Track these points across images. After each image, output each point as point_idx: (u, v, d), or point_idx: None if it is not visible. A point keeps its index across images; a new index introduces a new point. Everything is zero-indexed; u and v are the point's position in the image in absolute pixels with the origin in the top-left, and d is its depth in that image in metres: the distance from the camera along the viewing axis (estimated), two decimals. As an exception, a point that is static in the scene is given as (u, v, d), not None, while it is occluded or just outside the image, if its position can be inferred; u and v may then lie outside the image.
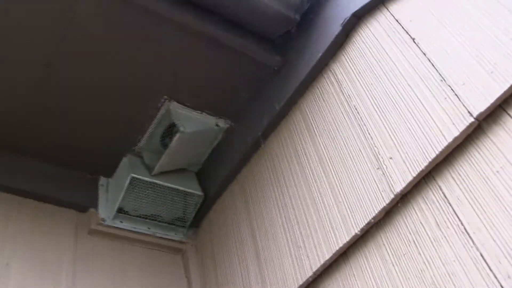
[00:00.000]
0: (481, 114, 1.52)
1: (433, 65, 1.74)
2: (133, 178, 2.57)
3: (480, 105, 1.52)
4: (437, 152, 1.60)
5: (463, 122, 1.55)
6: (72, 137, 2.66)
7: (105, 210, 2.67)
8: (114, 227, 2.66)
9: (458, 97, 1.60)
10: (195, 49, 2.40)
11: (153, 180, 2.64)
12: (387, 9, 2.07)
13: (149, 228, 2.75)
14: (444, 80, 1.67)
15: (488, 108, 1.50)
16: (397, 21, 1.99)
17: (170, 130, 2.63)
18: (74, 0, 2.11)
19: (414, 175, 1.67)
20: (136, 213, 2.70)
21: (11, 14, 2.10)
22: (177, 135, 2.49)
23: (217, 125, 2.71)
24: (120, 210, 2.65)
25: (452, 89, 1.64)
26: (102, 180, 2.83)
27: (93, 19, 2.19)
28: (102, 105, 2.54)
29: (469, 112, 1.55)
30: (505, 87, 1.46)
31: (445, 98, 1.64)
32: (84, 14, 2.16)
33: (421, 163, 1.65)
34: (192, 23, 2.30)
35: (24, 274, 2.27)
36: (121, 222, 2.67)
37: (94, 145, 2.72)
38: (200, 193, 2.77)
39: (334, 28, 2.23)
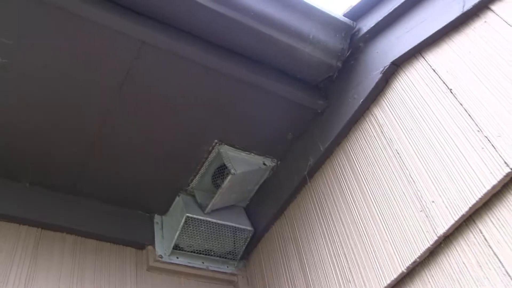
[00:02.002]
0: (517, 164, 1.65)
1: (470, 116, 1.89)
2: (188, 217, 2.75)
3: (516, 157, 1.66)
4: (477, 199, 1.74)
5: (500, 172, 1.69)
6: (128, 178, 2.83)
7: (161, 247, 2.84)
8: (171, 263, 2.82)
9: (494, 148, 1.74)
10: (243, 96, 2.57)
11: (206, 218, 2.81)
12: (424, 59, 2.21)
13: (203, 262, 2.92)
14: (481, 130, 1.82)
15: (524, 159, 1.64)
16: (434, 70, 2.14)
17: (221, 170, 2.80)
18: (131, 54, 2.29)
19: (456, 218, 1.80)
20: (190, 248, 2.87)
21: (74, 64, 2.30)
22: (229, 177, 2.66)
23: (264, 163, 2.87)
24: (176, 247, 2.82)
25: (488, 140, 1.78)
26: (157, 218, 3.01)
27: (150, 71, 2.38)
28: (157, 148, 2.71)
29: (505, 162, 1.69)
30: (538, 141, 1.60)
31: (482, 148, 1.78)
32: (141, 67, 2.35)
33: (462, 208, 1.79)
34: (240, 73, 2.46)
35: (92, 311, 2.46)
36: (177, 258, 2.84)
37: (149, 185, 2.89)
38: (250, 228, 2.93)
39: (374, 74, 2.38)
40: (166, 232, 2.93)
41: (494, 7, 1.97)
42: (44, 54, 2.23)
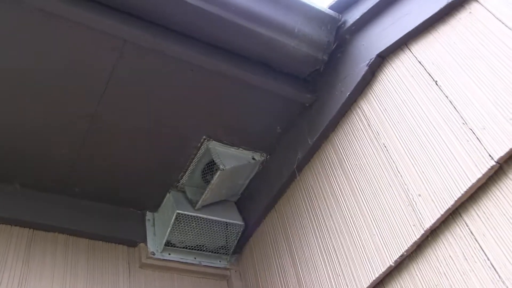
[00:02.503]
0: (501, 157, 1.65)
1: (455, 108, 1.88)
2: (178, 214, 2.75)
3: (500, 149, 1.65)
4: (462, 192, 1.74)
5: (485, 165, 1.69)
6: (119, 176, 2.83)
7: (153, 244, 2.84)
8: (163, 259, 2.82)
9: (479, 140, 1.74)
10: (230, 92, 2.56)
11: (197, 214, 2.80)
12: (410, 50, 2.21)
13: (195, 258, 2.92)
14: (466, 123, 1.81)
15: (508, 152, 1.64)
16: (419, 62, 2.13)
17: (210, 166, 2.80)
18: (114, 53, 2.28)
19: (442, 212, 1.80)
20: (182, 244, 2.87)
21: (58, 65, 2.30)
22: (218, 172, 2.66)
23: (253, 158, 2.87)
24: (167, 243, 2.82)
25: (473, 132, 1.77)
26: (148, 215, 3.01)
27: (134, 70, 2.38)
28: (146, 146, 2.71)
29: (490, 155, 1.68)
30: (523, 134, 1.60)
31: (468, 141, 1.78)
32: (125, 66, 2.34)
33: (448, 201, 1.79)
34: (225, 69, 2.45)
35: (85, 310, 2.46)
36: (169, 254, 2.84)
37: (140, 183, 2.89)
38: (241, 222, 2.93)
39: (361, 67, 2.38)
40: (158, 228, 2.93)
41: (478, -3, 1.96)
42: (26, 57, 2.22)
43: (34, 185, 2.71)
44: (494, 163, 1.66)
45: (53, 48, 2.22)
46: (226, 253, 3.01)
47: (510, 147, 1.63)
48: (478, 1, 1.97)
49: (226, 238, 2.97)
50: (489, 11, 1.92)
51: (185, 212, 2.78)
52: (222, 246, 2.99)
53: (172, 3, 2.21)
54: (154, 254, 2.80)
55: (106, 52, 2.26)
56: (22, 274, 2.42)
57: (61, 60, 2.26)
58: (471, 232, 1.72)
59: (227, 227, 2.94)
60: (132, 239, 2.87)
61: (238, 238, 2.99)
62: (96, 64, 2.31)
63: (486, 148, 1.71)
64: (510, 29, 1.81)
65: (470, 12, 1.99)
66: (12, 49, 2.18)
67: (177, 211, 2.75)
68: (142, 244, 2.85)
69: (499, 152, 1.65)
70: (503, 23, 1.84)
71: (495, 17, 1.88)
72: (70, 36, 2.19)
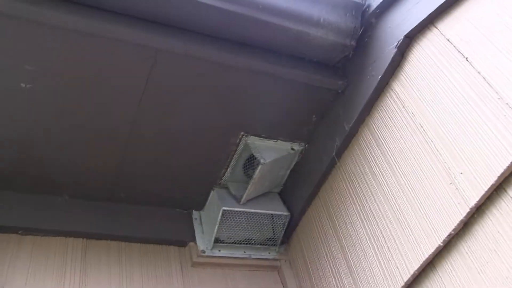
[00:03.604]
0: (541, 130, 1.65)
1: (489, 84, 1.88)
2: (224, 210, 2.80)
3: (539, 122, 1.65)
4: (505, 167, 1.74)
5: (525, 138, 1.69)
6: (163, 179, 2.89)
7: (202, 242, 2.91)
8: (214, 256, 2.89)
9: (517, 115, 1.74)
10: (263, 87, 2.59)
11: (242, 209, 2.86)
12: (437, 29, 2.20)
13: (244, 251, 2.98)
14: (501, 98, 1.81)
15: (548, 124, 1.64)
16: (448, 40, 2.13)
17: (251, 161, 2.84)
18: (148, 62, 2.34)
19: (486, 188, 1.81)
20: (231, 240, 2.93)
21: (96, 79, 2.37)
22: (259, 167, 2.70)
23: (292, 148, 2.90)
24: (216, 240, 2.88)
25: (510, 106, 1.77)
26: (195, 214, 3.07)
27: (168, 76, 2.42)
28: (186, 147, 2.77)
29: (530, 128, 1.68)
30: (560, 104, 1.60)
31: (505, 116, 1.78)
32: (160, 74, 2.39)
33: (491, 178, 1.79)
34: (256, 65, 2.48)
35: (143, 313, 2.54)
36: (219, 251, 2.90)
37: (183, 183, 2.95)
38: (286, 213, 2.98)
39: (389, 49, 2.38)
40: (206, 226, 2.99)
41: (502, -30, 1.95)
42: (67, 75, 2.30)
43: (82, 196, 2.80)
44: (534, 136, 1.66)
45: (91, 63, 2.29)
46: (275, 244, 3.06)
47: (549, 119, 1.62)
48: (503, -27, 1.96)
49: (273, 229, 3.02)
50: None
51: (231, 208, 2.83)
52: (269, 238, 3.04)
53: (200, 9, 2.25)
54: (204, 252, 2.87)
55: (140, 62, 2.32)
56: (81, 284, 2.50)
57: (100, 74, 2.33)
58: (517, 206, 1.73)
59: (273, 218, 2.98)
60: (182, 239, 2.94)
61: (284, 228, 3.03)
62: (132, 74, 2.37)
63: (524, 122, 1.70)
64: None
65: (496, -14, 1.97)
66: (56, 67, 2.27)
67: (223, 208, 2.81)
68: (192, 243, 2.91)
69: (539, 125, 1.65)
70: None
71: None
72: (107, 51, 2.25)
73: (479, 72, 1.93)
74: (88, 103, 2.43)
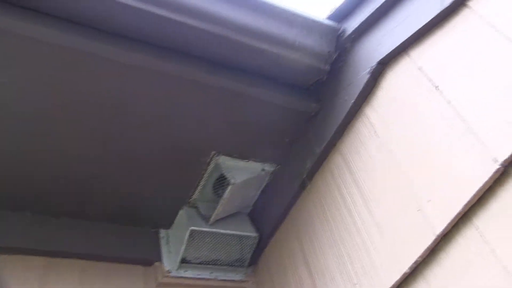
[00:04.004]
0: (505, 160, 1.67)
1: (458, 113, 1.90)
2: (192, 230, 2.77)
3: (504, 153, 1.67)
4: (471, 196, 1.75)
5: (490, 168, 1.70)
6: (132, 196, 2.86)
7: (169, 262, 2.87)
8: (180, 277, 2.85)
9: (484, 144, 1.76)
10: (235, 107, 2.60)
11: (210, 229, 2.84)
12: (410, 57, 2.23)
13: (211, 272, 2.95)
14: (469, 128, 1.83)
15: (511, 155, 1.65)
16: (419, 68, 2.16)
17: (221, 181, 2.82)
18: (122, 78, 2.33)
19: (452, 216, 1.81)
20: (197, 260, 2.90)
21: (69, 95, 2.34)
22: (229, 187, 2.69)
23: (263, 169, 2.90)
24: (183, 261, 2.85)
25: (477, 136, 1.79)
26: (162, 233, 3.03)
27: (142, 92, 2.42)
28: (157, 165, 2.74)
29: (494, 158, 1.70)
30: (526, 137, 1.62)
31: (472, 145, 1.80)
32: (134, 90, 2.39)
33: (457, 206, 1.79)
34: (231, 85, 2.49)
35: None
36: (185, 271, 2.87)
37: (152, 201, 2.91)
38: (255, 234, 2.96)
39: (363, 75, 2.40)
40: (173, 246, 2.96)
41: (470, 3, 1.99)
42: (34, 88, 2.27)
43: (46, 211, 2.74)
44: (499, 166, 1.68)
45: (60, 77, 2.26)
46: (242, 266, 3.04)
47: (513, 150, 1.64)
48: (470, 7, 2.00)
49: (241, 250, 3.00)
50: (481, 16, 1.94)
51: (199, 228, 2.81)
52: (237, 259, 3.02)
53: (177, 27, 2.25)
54: (170, 272, 2.84)
55: (113, 79, 2.31)
56: (41, 304, 2.44)
57: (68, 89, 2.31)
58: (482, 235, 1.74)
59: (241, 239, 2.96)
60: (148, 258, 2.90)
61: (253, 250, 3.02)
62: (104, 90, 2.35)
63: (490, 151, 1.72)
64: (501, 33, 1.83)
65: (464, 17, 2.01)
66: (23, 80, 2.24)
67: (191, 227, 2.78)
68: (157, 263, 2.88)
69: (503, 155, 1.67)
70: (495, 28, 1.86)
71: (487, 22, 1.90)
72: (76, 65, 2.23)
73: (448, 102, 1.96)
74: (55, 118, 2.40)
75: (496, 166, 1.69)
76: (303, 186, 2.75)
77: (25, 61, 2.16)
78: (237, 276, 3.03)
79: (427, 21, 2.12)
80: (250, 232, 2.96)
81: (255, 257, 3.09)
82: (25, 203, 2.68)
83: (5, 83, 2.19)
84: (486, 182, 1.71)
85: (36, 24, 2.07)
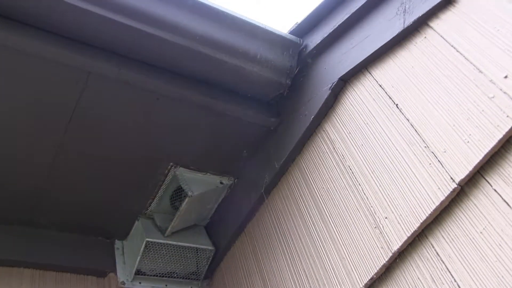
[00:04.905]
0: (462, 180, 1.70)
1: (416, 132, 1.92)
2: (148, 242, 2.73)
3: (461, 172, 1.70)
4: (427, 214, 1.78)
5: (447, 188, 1.73)
6: (86, 206, 2.80)
7: (123, 273, 2.82)
8: (134, 288, 2.80)
9: (441, 164, 1.78)
10: (194, 119, 2.58)
11: (166, 241, 2.80)
12: (371, 74, 2.25)
13: (166, 285, 2.91)
14: (427, 146, 1.85)
15: (468, 175, 1.68)
16: (380, 86, 2.18)
17: (178, 192, 2.79)
18: (79, 85, 2.28)
19: (409, 234, 1.83)
20: (153, 272, 2.86)
21: (22, 98, 2.29)
22: (186, 199, 2.66)
23: (221, 182, 2.87)
24: (138, 272, 2.80)
25: (435, 155, 1.81)
26: (117, 244, 2.98)
27: (99, 100, 2.38)
28: (112, 175, 2.70)
29: (451, 178, 1.73)
30: (480, 156, 1.66)
31: (430, 164, 1.82)
32: (90, 97, 2.33)
33: (414, 224, 1.82)
34: (190, 96, 2.48)
35: None
36: (140, 283, 2.83)
37: (107, 211, 2.87)
38: (211, 247, 2.93)
39: (324, 90, 2.41)
40: (127, 257, 2.90)
41: (432, 24, 2.02)
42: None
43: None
44: (456, 186, 1.71)
45: (17, 82, 2.21)
46: (197, 279, 3.01)
47: (470, 169, 1.67)
48: (431, 27, 2.03)
49: (197, 263, 2.97)
50: (441, 37, 1.98)
51: (155, 240, 2.77)
52: (193, 272, 2.98)
53: (136, 34, 2.21)
54: (124, 283, 2.79)
55: (70, 85, 2.26)
56: (-14, 314, 2.37)
57: (25, 93, 2.26)
58: (438, 254, 1.76)
59: (197, 252, 2.94)
60: (101, 269, 2.83)
61: (209, 263, 2.99)
62: (61, 96, 2.31)
63: (448, 171, 1.75)
64: (461, 54, 1.86)
65: (425, 37, 2.04)
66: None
67: (147, 239, 2.74)
68: (111, 274, 2.82)
69: (460, 175, 1.70)
70: (455, 48, 1.90)
71: (448, 42, 1.94)
72: (35, 70, 2.19)
73: (408, 119, 1.98)
74: (12, 121, 2.34)
75: (453, 185, 1.71)
76: (261, 201, 2.73)
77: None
78: (192, 290, 2.98)
79: (388, 39, 2.15)
80: (206, 245, 2.93)
81: (210, 270, 3.06)
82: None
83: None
84: (443, 202, 1.75)
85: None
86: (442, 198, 1.74)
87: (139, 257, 2.76)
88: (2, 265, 2.57)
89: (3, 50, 2.08)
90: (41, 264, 2.67)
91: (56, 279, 2.69)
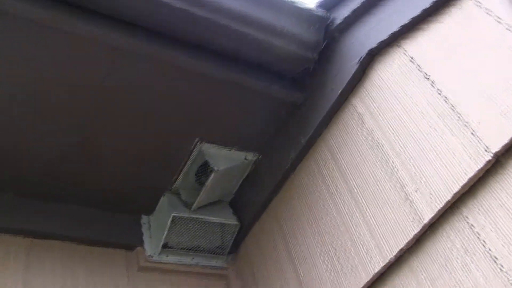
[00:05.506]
0: (498, 150, 1.68)
1: (449, 104, 1.91)
2: (174, 216, 2.76)
3: (497, 143, 1.68)
4: (461, 186, 1.76)
5: (482, 158, 1.72)
6: (113, 181, 2.83)
7: (150, 247, 2.86)
8: (161, 262, 2.84)
9: (475, 135, 1.77)
10: (221, 93, 2.58)
11: (192, 216, 2.83)
12: (401, 47, 2.23)
13: (192, 259, 2.94)
14: (461, 118, 1.84)
15: (505, 146, 1.67)
16: (411, 59, 2.16)
17: (204, 168, 2.81)
18: (106, 61, 2.29)
19: (440, 206, 1.82)
20: (179, 246, 2.89)
21: (50, 74, 2.30)
22: (212, 174, 2.67)
23: (246, 158, 2.89)
24: (164, 246, 2.83)
25: (469, 127, 1.80)
26: (144, 218, 3.01)
27: (126, 76, 2.38)
28: (139, 150, 2.72)
29: (487, 149, 1.71)
30: (519, 128, 1.64)
31: (464, 136, 1.81)
32: (117, 73, 2.35)
33: (446, 195, 1.81)
34: (216, 71, 2.47)
35: (90, 317, 2.46)
36: (167, 256, 2.86)
37: (134, 187, 2.89)
38: (236, 222, 2.96)
39: (351, 65, 2.40)
40: (154, 231, 2.93)
41: (468, -9, 2.00)
42: (18, 65, 2.22)
43: (28, 194, 2.70)
44: (491, 157, 1.69)
45: (43, 58, 2.22)
46: (223, 253, 3.03)
47: (506, 140, 1.66)
48: (467, -4, 2.00)
49: (222, 238, 2.99)
50: (480, 6, 1.94)
51: (181, 214, 2.80)
52: (218, 246, 3.01)
53: (163, 9, 2.21)
54: (151, 257, 2.82)
55: (97, 61, 2.27)
56: (24, 283, 2.42)
57: (52, 70, 2.27)
58: (470, 225, 1.75)
59: (222, 227, 2.96)
60: (129, 243, 2.88)
61: (233, 237, 3.01)
62: (88, 72, 2.32)
63: (482, 142, 1.74)
64: (500, 23, 1.84)
65: (460, 7, 2.02)
66: (12, 56, 2.20)
67: (173, 213, 2.77)
68: (139, 248, 2.86)
69: (496, 146, 1.69)
70: (493, 17, 1.87)
71: (486, 11, 1.91)
72: (65, 46, 2.20)
73: (440, 92, 1.97)
74: (42, 97, 2.36)
75: (488, 156, 1.70)
76: (286, 176, 2.74)
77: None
78: (218, 263, 3.02)
79: (421, 10, 2.13)
80: (231, 220, 2.96)
81: (235, 245, 3.09)
82: (7, 184, 2.63)
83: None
84: (477, 173, 1.73)
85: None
86: (476, 169, 1.73)
87: (166, 231, 2.79)
88: (35, 237, 2.61)
89: (31, 24, 2.09)
90: (71, 238, 2.72)
91: (87, 252, 2.73)
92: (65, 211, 2.78)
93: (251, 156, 2.90)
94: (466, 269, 1.74)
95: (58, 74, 2.29)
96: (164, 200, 2.93)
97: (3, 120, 2.41)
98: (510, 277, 1.59)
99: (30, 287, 2.42)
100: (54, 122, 2.47)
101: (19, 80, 2.27)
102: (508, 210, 1.64)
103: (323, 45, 2.58)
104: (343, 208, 2.32)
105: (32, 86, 2.31)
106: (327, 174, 2.47)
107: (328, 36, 2.57)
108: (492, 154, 1.69)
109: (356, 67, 2.36)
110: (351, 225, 2.25)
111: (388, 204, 2.08)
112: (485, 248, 1.69)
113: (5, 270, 2.43)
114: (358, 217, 2.22)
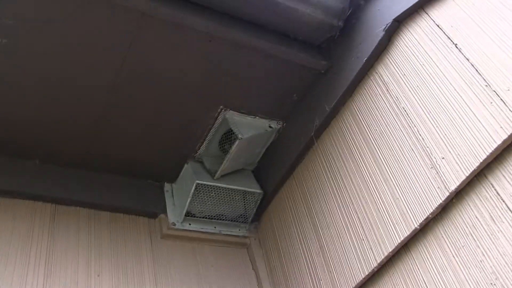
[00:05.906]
0: (528, 117, 1.66)
1: (477, 71, 1.89)
2: (198, 184, 2.78)
3: (526, 111, 1.67)
4: (488, 153, 1.75)
5: (510, 126, 1.70)
6: (136, 149, 2.86)
7: (173, 214, 2.88)
8: (184, 229, 2.87)
9: (504, 102, 1.75)
10: (246, 61, 2.57)
11: (216, 184, 2.84)
12: (427, 14, 2.20)
13: (215, 227, 2.96)
14: (489, 85, 1.82)
15: (534, 112, 1.65)
16: (438, 26, 2.13)
17: (228, 136, 2.82)
18: (132, 26, 2.28)
19: (467, 174, 1.82)
20: (202, 214, 2.91)
21: (77, 41, 2.30)
22: (236, 142, 2.68)
23: (270, 126, 2.88)
24: (187, 214, 2.86)
25: (497, 94, 1.78)
26: (167, 186, 3.04)
27: (152, 42, 2.38)
28: (163, 118, 2.73)
29: (516, 115, 1.69)
30: (548, 95, 1.61)
31: (491, 103, 1.79)
32: (143, 39, 2.34)
33: (473, 163, 1.80)
34: (243, 39, 2.45)
35: (113, 282, 2.51)
36: (190, 224, 2.88)
37: (157, 154, 2.91)
38: (259, 190, 2.97)
39: (377, 32, 2.37)
40: (177, 199, 2.96)
41: (496, -45, 1.95)
42: (45, 33, 2.22)
43: (53, 161, 2.75)
44: (521, 123, 1.67)
45: (73, 21, 2.22)
46: (245, 221, 3.06)
47: (536, 107, 1.64)
48: (496, -39, 1.96)
49: (245, 206, 3.01)
50: (509, -29, 1.91)
51: (205, 182, 2.81)
52: (241, 215, 3.03)
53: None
54: (174, 224, 2.85)
55: (124, 26, 2.26)
56: (49, 248, 2.47)
57: (80, 34, 2.27)
58: (498, 193, 1.74)
59: (245, 195, 2.98)
60: (153, 210, 2.91)
61: (256, 206, 3.03)
62: (114, 38, 2.31)
63: (511, 109, 1.71)
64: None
65: (488, -27, 1.98)
66: (36, 23, 2.19)
67: (197, 181, 2.79)
68: (162, 215, 2.89)
69: (525, 114, 1.66)
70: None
71: (514, -26, 1.87)
72: (92, 11, 2.19)
73: (467, 59, 1.94)
74: (66, 62, 2.37)
75: (518, 122, 1.68)
76: (310, 144, 2.74)
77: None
78: (240, 232, 3.04)
79: (448, -23, 2.09)
80: (254, 189, 2.97)
81: (258, 213, 3.11)
82: (33, 151, 2.68)
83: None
84: (505, 140, 1.71)
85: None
86: (504, 136, 1.71)
87: (189, 199, 2.81)
88: (60, 203, 2.66)
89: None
90: (95, 204, 2.76)
91: (110, 219, 2.78)
92: (89, 179, 2.83)
93: (275, 125, 2.90)
94: (493, 237, 1.73)
95: (86, 38, 2.29)
96: (187, 168, 2.95)
97: (33, 95, 2.45)
98: (538, 244, 1.57)
99: (55, 251, 2.47)
100: (80, 91, 2.49)
101: (45, 48, 2.28)
102: (537, 177, 1.62)
103: (348, 13, 2.56)
104: (367, 176, 2.32)
105: (58, 54, 2.32)
106: (351, 142, 2.46)
107: (353, 3, 2.55)
108: (521, 121, 1.67)
109: (382, 34, 2.34)
110: (376, 194, 2.25)
111: (413, 173, 2.07)
112: (513, 216, 1.67)
113: (30, 235, 2.47)
114: (383, 185, 2.21)
